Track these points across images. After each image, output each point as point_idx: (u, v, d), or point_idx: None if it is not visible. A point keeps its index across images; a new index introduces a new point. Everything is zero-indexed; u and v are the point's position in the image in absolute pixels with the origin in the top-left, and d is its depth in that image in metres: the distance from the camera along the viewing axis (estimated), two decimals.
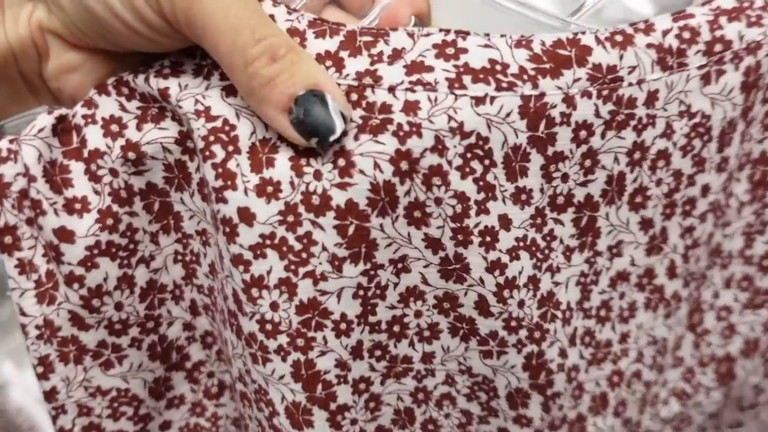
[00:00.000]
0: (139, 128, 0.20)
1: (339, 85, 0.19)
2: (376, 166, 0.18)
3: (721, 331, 0.26)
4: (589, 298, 0.23)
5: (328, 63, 0.19)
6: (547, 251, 0.21)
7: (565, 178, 0.20)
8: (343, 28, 0.19)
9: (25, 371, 0.55)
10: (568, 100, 0.19)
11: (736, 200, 0.24)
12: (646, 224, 0.22)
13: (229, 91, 0.19)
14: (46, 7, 0.19)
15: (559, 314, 0.21)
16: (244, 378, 0.22)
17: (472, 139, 0.19)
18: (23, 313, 0.21)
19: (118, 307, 0.21)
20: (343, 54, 0.19)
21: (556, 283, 0.21)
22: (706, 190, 0.22)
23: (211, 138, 0.19)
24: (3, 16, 0.19)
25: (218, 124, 0.19)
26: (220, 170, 0.19)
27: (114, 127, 0.20)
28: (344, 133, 0.18)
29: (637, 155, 0.20)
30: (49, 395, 0.22)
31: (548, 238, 0.21)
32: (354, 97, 0.19)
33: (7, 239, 0.20)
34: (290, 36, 0.19)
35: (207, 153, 0.19)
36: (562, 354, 0.22)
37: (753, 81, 0.20)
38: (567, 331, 0.22)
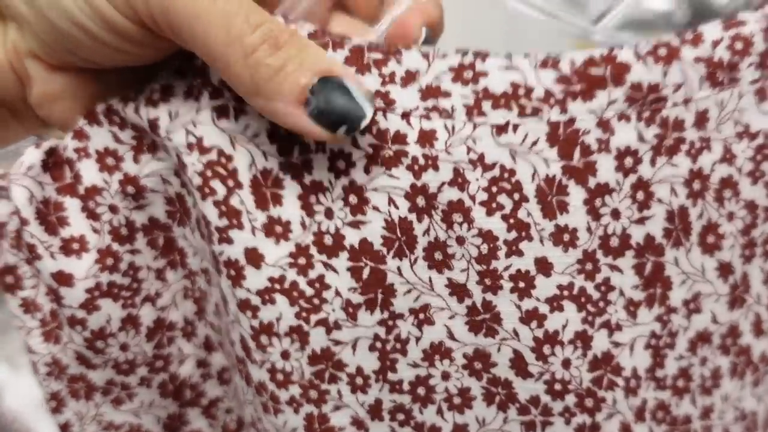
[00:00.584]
0: (136, 160, 0.19)
1: None
2: (391, 201, 0.17)
3: None
4: (663, 365, 0.19)
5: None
6: (602, 304, 0.18)
7: (615, 214, 0.17)
8: (348, 41, 0.17)
9: (20, 375, 0.54)
10: (604, 125, 0.16)
11: None
12: (724, 270, 0.18)
13: (221, 112, 0.17)
14: (17, 25, 0.17)
15: (620, 381, 0.18)
16: (257, 425, 0.21)
17: (496, 172, 0.17)
18: (31, 351, 0.20)
19: (124, 348, 0.21)
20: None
21: (617, 344, 0.18)
22: None
23: (209, 173, 0.17)
24: None
25: (213, 156, 0.17)
26: (223, 208, 0.17)
27: (110, 161, 0.19)
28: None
29: (697, 185, 0.17)
30: (64, 428, 0.22)
31: (603, 288, 0.18)
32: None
33: (9, 279, 0.19)
34: None
35: (206, 190, 0.17)
36: (626, 429, 0.18)
37: None
38: (632, 403, 0.18)
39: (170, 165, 0.19)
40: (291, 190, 0.17)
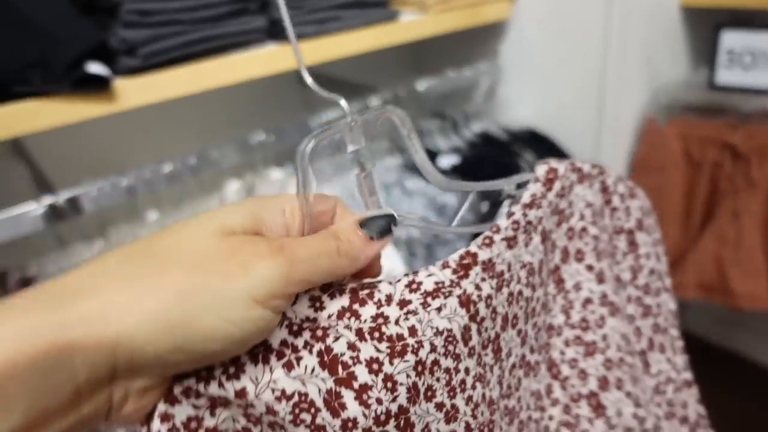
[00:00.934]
0: (212, 414, 0.24)
1: (362, 329, 0.26)
2: (407, 375, 0.26)
3: (577, 375, 0.35)
4: (502, 388, 0.32)
5: (348, 315, 0.26)
6: (486, 376, 0.30)
7: (486, 330, 0.30)
8: (345, 287, 0.27)
9: None
10: (477, 287, 0.29)
11: (551, 295, 0.35)
12: (522, 335, 0.33)
13: (288, 366, 0.25)
14: (134, 375, 0.21)
15: (496, 407, 0.31)
16: None
17: (445, 334, 0.28)
18: None
19: None
20: (356, 306, 0.26)
21: (491, 390, 0.31)
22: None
23: (296, 410, 0.24)
24: (79, 400, 0.20)
25: (296, 399, 0.24)
26: (312, 427, 0.24)
27: (193, 424, 0.24)
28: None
29: (511, 298, 0.31)
30: None
31: (486, 367, 0.30)
32: (376, 335, 0.26)
33: None
34: (312, 303, 0.26)
35: (298, 421, 0.24)
36: (500, 429, 0.32)
37: (544, 238, 0.33)
38: (501, 414, 0.32)
39: (238, 411, 0.25)
40: (349, 396, 0.25)
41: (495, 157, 0.92)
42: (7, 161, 0.79)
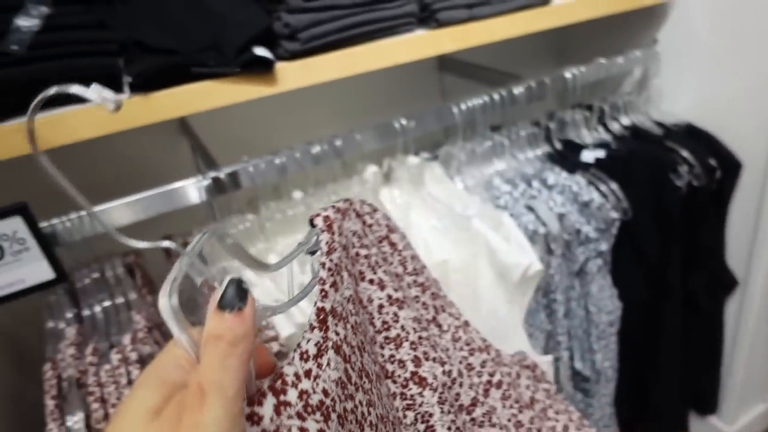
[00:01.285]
0: None
1: (299, 411, 0.28)
2: (326, 393, 0.31)
3: (398, 366, 0.40)
4: (379, 402, 0.37)
5: (282, 408, 0.28)
6: (372, 399, 0.35)
7: (355, 363, 0.34)
8: (262, 388, 0.28)
9: (264, 278, 0.64)
10: (336, 333, 0.33)
11: (361, 315, 0.39)
12: (370, 355, 0.37)
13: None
14: None
15: (386, 420, 0.36)
16: None
17: (339, 383, 0.31)
18: None
19: None
20: (282, 398, 0.28)
21: (377, 408, 0.35)
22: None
23: None
24: None
25: None
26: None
27: None
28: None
29: (354, 330, 0.36)
30: None
31: (369, 393, 0.34)
32: (309, 409, 0.29)
33: None
34: (251, 419, 0.27)
35: None
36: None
37: (349, 273, 0.38)
38: (385, 423, 0.37)
39: None
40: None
41: (646, 153, 0.84)
42: (174, 137, 0.87)
